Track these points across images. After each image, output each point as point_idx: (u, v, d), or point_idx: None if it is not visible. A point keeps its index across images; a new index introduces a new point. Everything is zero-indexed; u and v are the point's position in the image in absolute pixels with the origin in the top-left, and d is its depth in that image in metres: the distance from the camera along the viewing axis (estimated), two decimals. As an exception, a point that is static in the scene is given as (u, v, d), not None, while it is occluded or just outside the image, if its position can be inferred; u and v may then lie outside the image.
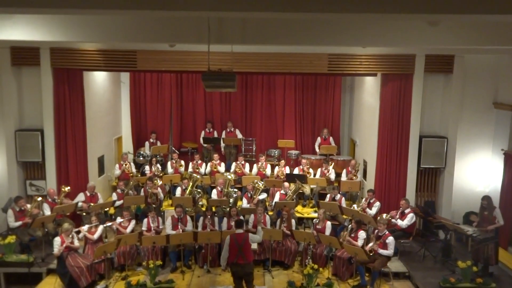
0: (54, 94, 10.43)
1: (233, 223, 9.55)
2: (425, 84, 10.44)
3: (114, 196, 10.82)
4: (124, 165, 12.02)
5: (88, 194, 10.46)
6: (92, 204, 10.25)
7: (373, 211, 10.20)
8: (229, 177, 11.44)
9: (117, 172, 12.03)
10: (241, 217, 9.77)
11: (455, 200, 10.68)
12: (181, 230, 9.39)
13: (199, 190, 11.35)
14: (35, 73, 10.37)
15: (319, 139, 13.55)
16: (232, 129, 13.62)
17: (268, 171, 12.31)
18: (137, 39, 8.18)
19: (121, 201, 10.55)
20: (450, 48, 9.56)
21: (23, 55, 10.21)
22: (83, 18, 7.78)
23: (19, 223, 9.43)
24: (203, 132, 13.68)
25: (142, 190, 11.11)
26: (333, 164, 12.18)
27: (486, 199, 9.26)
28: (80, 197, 10.38)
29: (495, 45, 7.77)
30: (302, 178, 11.25)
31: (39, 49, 10.16)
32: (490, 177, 10.64)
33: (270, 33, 7.83)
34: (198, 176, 11.40)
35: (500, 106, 10.22)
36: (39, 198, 9.87)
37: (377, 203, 10.35)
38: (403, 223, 9.61)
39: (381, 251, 8.65)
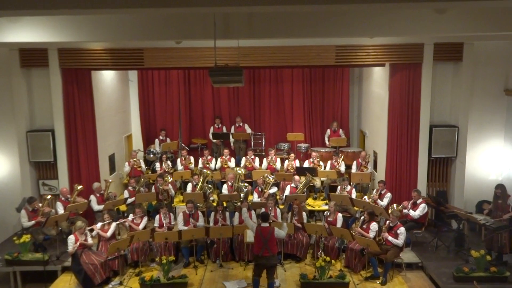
0: (63, 94, 10.53)
1: (244, 218, 9.58)
2: (434, 73, 10.34)
3: (126, 194, 10.91)
4: (133, 161, 12.09)
5: (98, 195, 10.54)
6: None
7: (384, 202, 10.16)
8: (239, 171, 11.47)
9: (127, 169, 12.12)
10: (252, 211, 9.82)
11: (467, 189, 10.58)
12: (192, 225, 9.45)
13: (209, 185, 11.40)
14: (44, 74, 10.49)
15: (328, 131, 13.50)
16: (241, 124, 13.63)
17: (278, 165, 12.31)
18: (143, 37, 8.21)
19: (133, 199, 10.64)
20: (458, 36, 9.43)
21: (32, 56, 10.32)
22: (90, 18, 7.83)
23: (32, 222, 9.56)
24: (212, 128, 13.71)
25: (153, 187, 11.18)
26: (343, 156, 12.14)
27: (500, 187, 9.17)
28: (93, 199, 10.47)
29: (505, 31, 7.65)
30: (312, 171, 11.23)
31: (47, 50, 10.26)
32: (503, 165, 10.53)
33: (276, 26, 7.80)
34: (208, 172, 11.45)
35: (511, 93, 10.08)
36: (49, 196, 10.01)
37: (388, 194, 10.31)
38: (415, 213, 9.56)
39: (391, 238, 8.63)
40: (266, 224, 8.16)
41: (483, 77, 10.37)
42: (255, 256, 8.11)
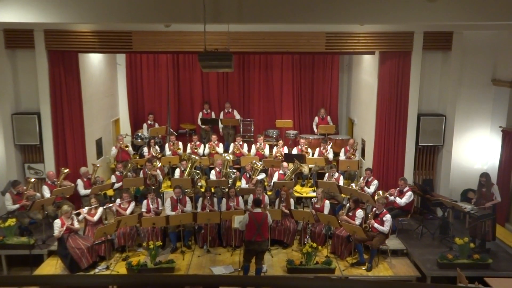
0: (49, 77, 10.36)
1: (232, 204, 9.62)
2: (423, 62, 10.38)
3: (113, 178, 10.84)
4: (119, 144, 11.93)
5: (85, 179, 10.46)
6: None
7: (371, 189, 10.25)
8: (228, 158, 11.45)
9: (114, 151, 11.95)
10: (240, 197, 9.84)
11: (453, 177, 10.72)
12: (180, 211, 9.44)
13: (197, 171, 11.37)
14: (30, 56, 10.28)
15: (316, 118, 13.52)
16: (230, 110, 13.56)
17: (266, 151, 12.31)
18: (132, 19, 8.07)
19: (120, 183, 10.57)
20: (448, 25, 9.46)
21: (17, 37, 10.12)
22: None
23: (16, 206, 9.47)
24: (200, 113, 13.64)
25: (141, 172, 11.12)
26: (331, 143, 12.18)
27: (485, 176, 9.31)
28: (80, 184, 10.39)
29: (494, 20, 7.68)
30: (301, 158, 11.26)
31: (33, 31, 10.04)
32: (488, 154, 10.66)
33: (266, 11, 7.72)
34: (196, 157, 11.41)
35: (499, 83, 10.17)
36: (32, 180, 9.90)
37: (375, 182, 10.39)
38: (402, 201, 9.66)
39: (377, 225, 8.73)
40: (259, 210, 8.21)
41: (471, 66, 10.44)
42: (247, 242, 8.14)
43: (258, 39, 10.29)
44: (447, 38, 10.15)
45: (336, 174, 10.78)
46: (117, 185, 10.66)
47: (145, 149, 12.32)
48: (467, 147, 10.77)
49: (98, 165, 10.88)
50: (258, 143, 12.36)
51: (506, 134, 9.85)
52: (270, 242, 9.34)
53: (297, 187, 11.46)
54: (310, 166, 11.63)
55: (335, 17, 7.86)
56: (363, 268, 8.65)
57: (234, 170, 11.36)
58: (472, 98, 10.56)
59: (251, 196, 9.91)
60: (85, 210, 9.04)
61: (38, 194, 9.92)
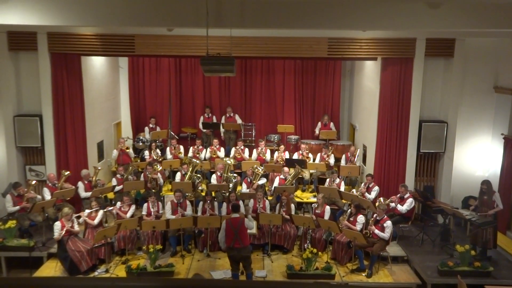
0: (52, 79, 10.39)
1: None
2: (425, 68, 10.38)
3: (114, 181, 10.84)
4: (120, 146, 11.92)
5: (86, 182, 10.45)
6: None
7: (372, 195, 10.23)
8: (229, 162, 11.44)
9: (115, 154, 11.94)
10: (240, 202, 9.82)
11: (454, 184, 10.69)
12: (180, 214, 9.43)
13: (198, 175, 11.36)
14: (32, 58, 10.31)
15: (319, 124, 13.51)
16: (232, 114, 13.58)
17: (267, 156, 12.30)
18: (134, 23, 8.10)
19: (121, 186, 10.57)
20: (451, 32, 9.47)
21: (20, 40, 10.16)
22: (80, 2, 7.69)
23: (16, 208, 9.46)
24: (202, 117, 13.65)
25: (142, 175, 11.12)
26: (332, 149, 12.17)
27: (486, 183, 9.28)
28: (81, 186, 10.39)
29: (496, 28, 7.70)
30: (302, 163, 11.25)
31: (36, 33, 10.09)
32: (490, 161, 10.64)
33: (269, 16, 7.75)
34: (197, 161, 11.40)
35: (501, 90, 10.17)
36: (34, 182, 9.90)
37: (376, 188, 10.37)
38: (403, 208, 9.63)
39: (377, 231, 8.70)
40: (237, 215, 8.17)
41: (473, 73, 10.44)
42: (227, 248, 8.12)
43: (261, 44, 10.32)
44: (449, 45, 10.16)
45: (337, 180, 10.76)
46: (117, 188, 10.65)
47: (146, 153, 12.33)
48: (468, 154, 10.75)
49: (99, 168, 10.88)
50: (260, 148, 12.35)
51: (508, 141, 9.83)
52: (270, 247, 9.34)
53: (298, 192, 11.44)
54: (311, 171, 11.62)
55: (337, 23, 7.87)
56: (363, 275, 8.61)
57: (235, 175, 11.34)
58: (474, 105, 10.55)
59: (252, 200, 9.90)
60: (85, 213, 9.03)
61: (38, 196, 9.92)
